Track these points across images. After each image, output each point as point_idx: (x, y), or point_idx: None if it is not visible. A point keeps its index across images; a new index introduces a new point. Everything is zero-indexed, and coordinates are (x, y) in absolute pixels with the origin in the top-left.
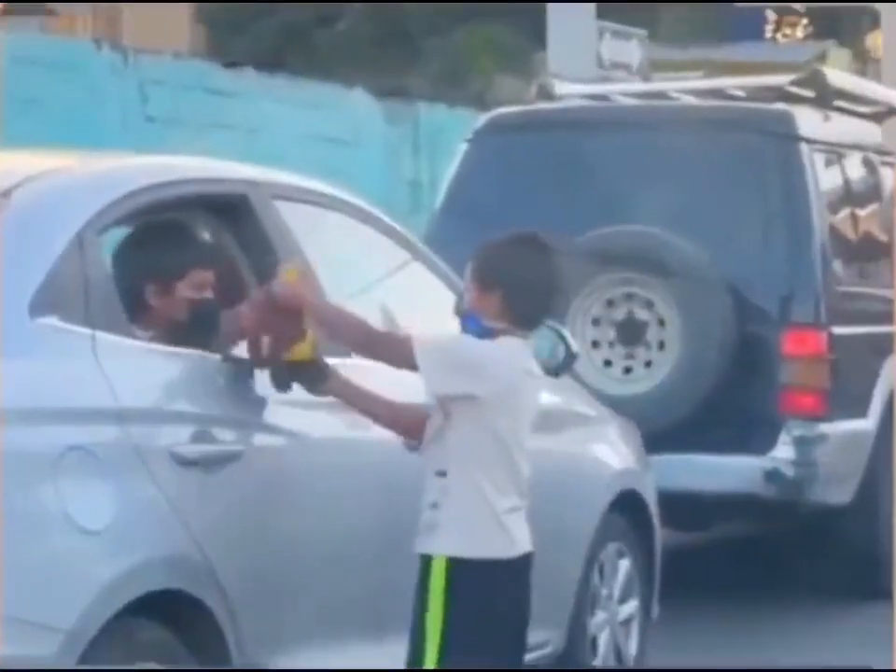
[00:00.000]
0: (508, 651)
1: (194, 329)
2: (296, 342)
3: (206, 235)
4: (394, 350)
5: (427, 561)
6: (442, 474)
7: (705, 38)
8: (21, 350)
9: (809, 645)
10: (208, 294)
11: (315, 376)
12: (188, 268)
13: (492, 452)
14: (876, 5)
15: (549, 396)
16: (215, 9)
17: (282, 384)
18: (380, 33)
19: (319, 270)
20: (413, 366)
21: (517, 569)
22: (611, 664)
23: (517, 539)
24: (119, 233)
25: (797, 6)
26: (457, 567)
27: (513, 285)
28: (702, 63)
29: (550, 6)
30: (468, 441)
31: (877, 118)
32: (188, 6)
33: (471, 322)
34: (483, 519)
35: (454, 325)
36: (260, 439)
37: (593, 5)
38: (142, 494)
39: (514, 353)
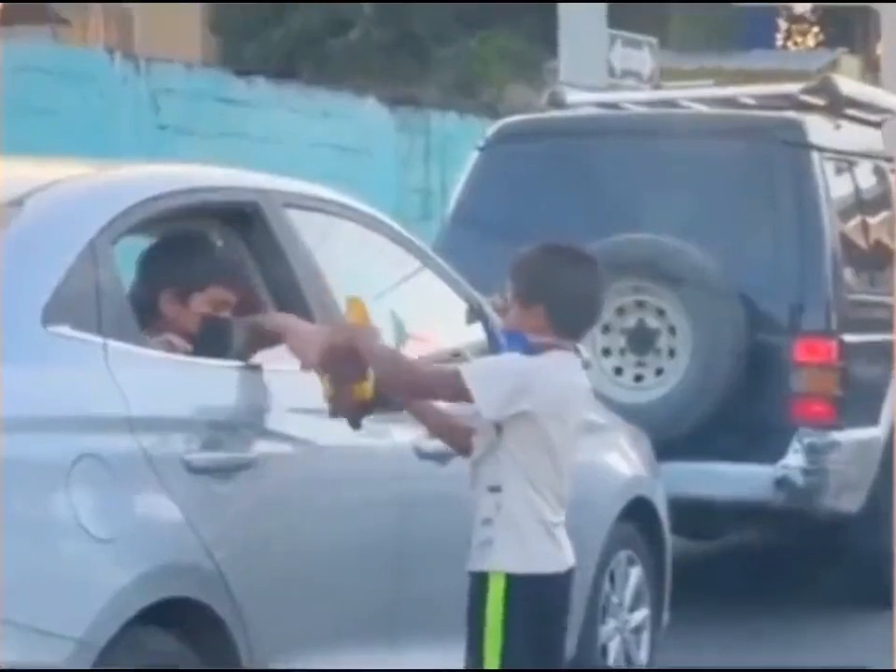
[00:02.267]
0: (553, 662)
1: (205, 344)
2: (358, 381)
3: (232, 253)
4: (444, 386)
5: (482, 578)
6: (496, 490)
7: (716, 47)
8: (33, 358)
9: (820, 653)
10: (225, 313)
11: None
12: (208, 283)
13: (543, 466)
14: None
15: None
16: (227, 18)
17: (351, 423)
18: (391, 41)
19: (330, 277)
20: (466, 397)
21: (565, 584)
22: None
23: (566, 554)
24: (134, 242)
25: (808, 14)
26: (515, 583)
27: (555, 298)
28: (713, 72)
29: (561, 14)
30: (521, 457)
31: None
32: (199, 15)
33: (517, 340)
34: (536, 534)
35: (465, 332)
36: (271, 447)
37: (604, 13)
38: (153, 502)
39: (562, 366)
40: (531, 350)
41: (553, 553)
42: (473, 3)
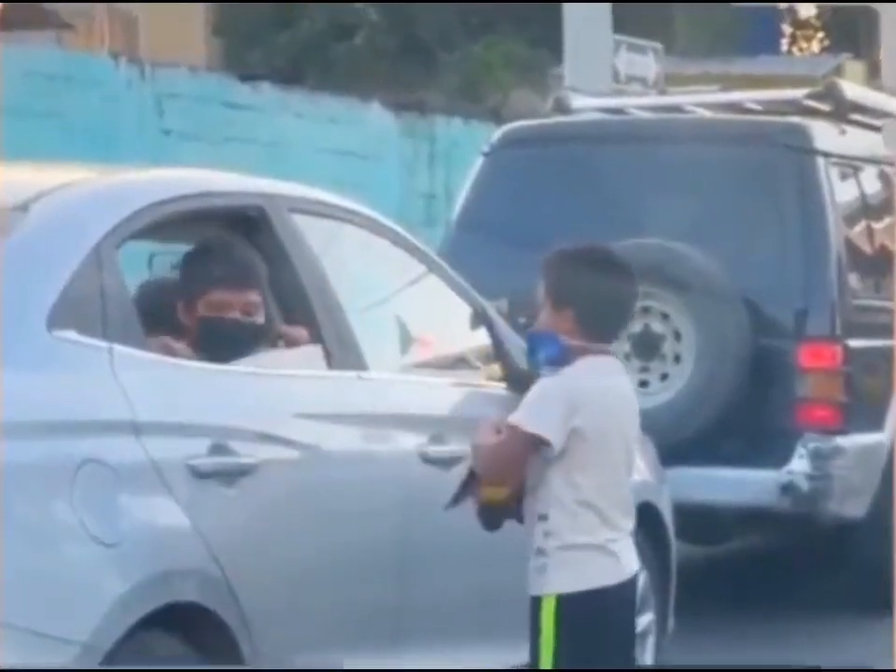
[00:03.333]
0: (623, 663)
1: (206, 346)
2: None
3: (236, 255)
4: (514, 445)
5: (537, 601)
6: (543, 518)
7: (721, 52)
8: (38, 363)
9: (824, 658)
10: (232, 314)
11: (504, 518)
12: (207, 288)
13: (597, 482)
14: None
15: None
16: (232, 23)
17: (484, 524)
18: (397, 47)
19: (335, 282)
20: (532, 442)
21: (624, 592)
22: None
23: (623, 563)
24: (139, 246)
25: (813, 19)
26: (565, 603)
27: (584, 301)
28: (718, 77)
29: (566, 20)
30: (572, 478)
31: None
32: (204, 20)
33: (550, 341)
34: (587, 553)
35: (469, 336)
36: (276, 452)
37: (609, 19)
38: (158, 507)
39: (600, 373)
40: (564, 352)
41: (608, 566)
42: (478, 8)
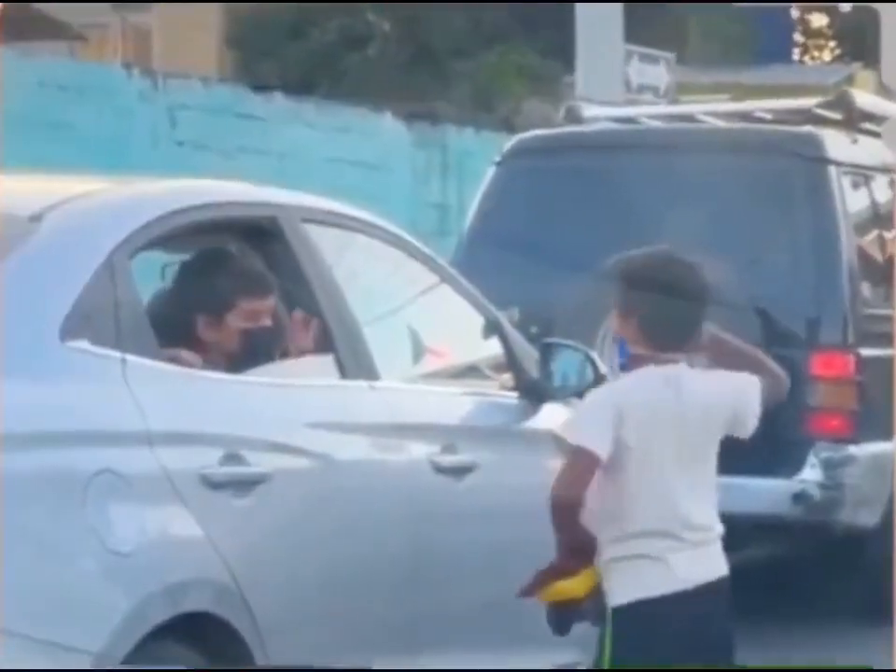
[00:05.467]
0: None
1: (248, 357)
2: (565, 575)
3: (253, 262)
4: (573, 460)
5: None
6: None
7: (732, 61)
8: (51, 373)
9: (822, 654)
10: (263, 322)
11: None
12: (236, 299)
13: (638, 495)
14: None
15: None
16: (244, 34)
17: (555, 624)
18: (408, 57)
19: (348, 292)
20: (580, 453)
21: (682, 603)
22: None
23: (678, 574)
24: (153, 257)
25: (825, 28)
26: (617, 615)
27: (647, 309)
28: (729, 86)
29: (578, 30)
30: (614, 491)
31: None
32: (217, 31)
33: (622, 350)
34: (633, 564)
35: (482, 347)
36: (289, 461)
37: (621, 29)
38: (171, 517)
39: (652, 382)
40: (629, 361)
41: (657, 575)
42: (490, 18)
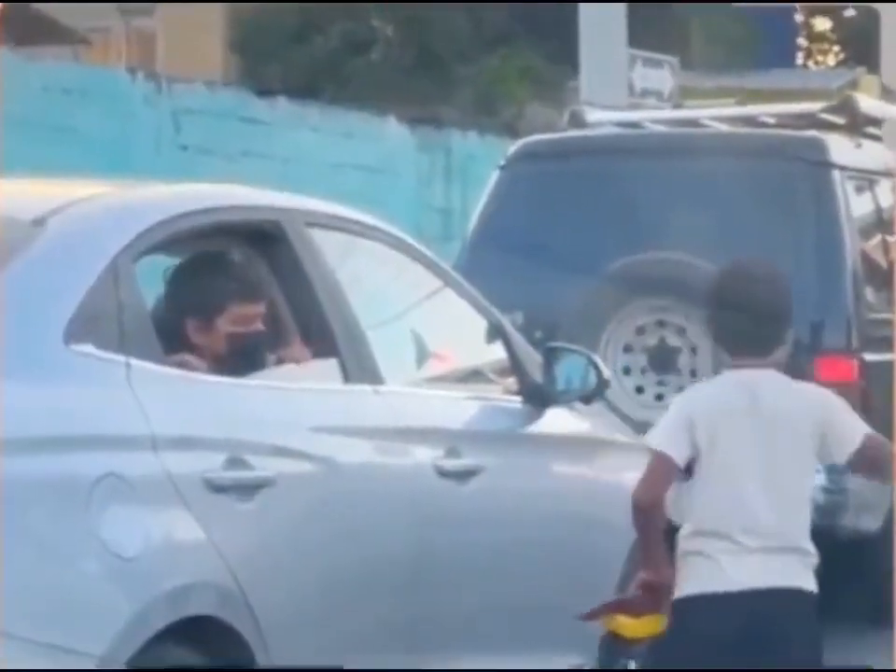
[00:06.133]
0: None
1: (238, 362)
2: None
3: (246, 267)
4: (652, 464)
5: None
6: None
7: (736, 66)
8: (55, 377)
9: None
10: (255, 327)
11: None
12: (225, 303)
13: (704, 497)
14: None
15: (580, 423)
16: (248, 38)
17: (602, 652)
18: (412, 61)
19: (352, 296)
20: (657, 457)
21: (727, 603)
22: None
23: (729, 575)
24: (157, 260)
25: (829, 32)
26: (674, 608)
27: (720, 315)
28: (733, 91)
29: (582, 34)
30: (688, 496)
31: None
32: (221, 35)
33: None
34: (692, 562)
35: (485, 351)
36: (293, 465)
37: (624, 33)
38: (175, 520)
39: (718, 390)
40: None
41: (710, 573)
42: (493, 22)
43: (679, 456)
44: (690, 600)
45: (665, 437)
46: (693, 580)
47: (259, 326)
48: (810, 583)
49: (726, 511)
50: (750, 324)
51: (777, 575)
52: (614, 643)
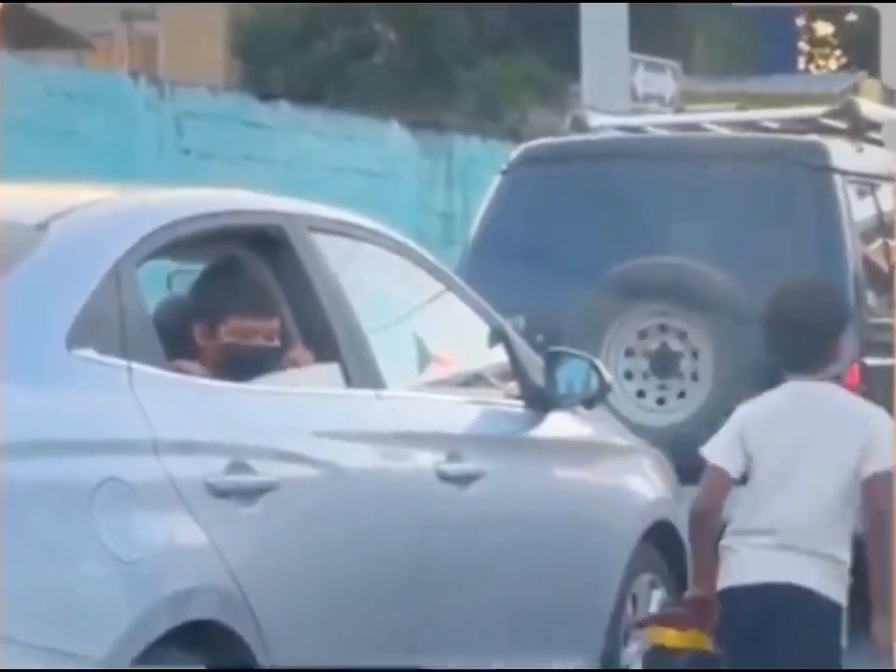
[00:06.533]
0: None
1: (234, 373)
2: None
3: (254, 281)
4: (707, 474)
5: None
6: None
7: (738, 70)
8: (57, 381)
9: None
10: (255, 341)
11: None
12: (228, 314)
13: (743, 501)
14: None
15: (582, 427)
16: (251, 43)
17: (644, 663)
18: (415, 66)
19: (354, 301)
20: (711, 469)
21: (744, 596)
22: None
23: (748, 568)
24: (159, 265)
25: (830, 37)
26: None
27: (770, 329)
28: (735, 95)
29: (584, 39)
30: (743, 500)
31: None
32: (223, 39)
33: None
34: (724, 557)
35: (487, 355)
36: (295, 470)
37: (626, 38)
38: (177, 525)
39: (769, 400)
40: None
41: (734, 568)
42: (496, 26)
43: (734, 469)
44: (720, 594)
45: (720, 450)
46: (722, 575)
47: (261, 341)
48: (833, 592)
49: (762, 511)
50: (806, 341)
51: (797, 574)
52: (658, 654)
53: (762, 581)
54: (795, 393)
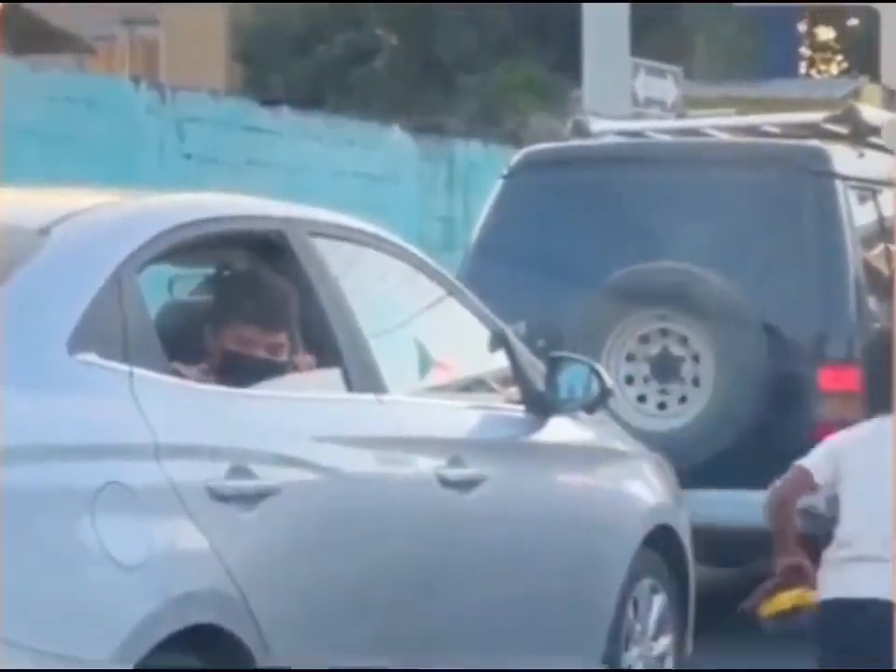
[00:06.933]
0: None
1: (230, 380)
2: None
3: (260, 291)
4: (791, 476)
5: None
6: None
7: (739, 75)
8: (59, 386)
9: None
10: (255, 353)
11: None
12: (230, 319)
13: (846, 513)
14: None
15: (583, 432)
16: (252, 48)
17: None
18: (416, 70)
19: (355, 306)
20: (797, 468)
21: (850, 610)
22: None
23: (849, 583)
24: (161, 272)
25: (832, 42)
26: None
27: (870, 374)
28: (736, 100)
29: (585, 44)
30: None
31: None
32: (224, 45)
33: None
34: (824, 572)
35: (488, 360)
36: (296, 475)
37: (627, 43)
38: (178, 529)
39: (857, 434)
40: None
41: (832, 581)
42: (497, 31)
43: (818, 474)
44: (824, 605)
45: (812, 460)
46: (824, 586)
47: (260, 353)
48: None
49: (847, 526)
50: (878, 389)
51: (861, 585)
52: (781, 622)
53: (868, 595)
54: (877, 430)
